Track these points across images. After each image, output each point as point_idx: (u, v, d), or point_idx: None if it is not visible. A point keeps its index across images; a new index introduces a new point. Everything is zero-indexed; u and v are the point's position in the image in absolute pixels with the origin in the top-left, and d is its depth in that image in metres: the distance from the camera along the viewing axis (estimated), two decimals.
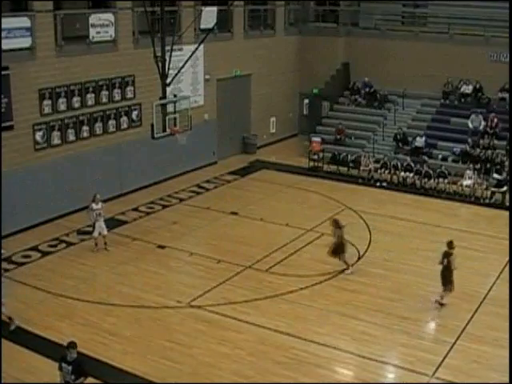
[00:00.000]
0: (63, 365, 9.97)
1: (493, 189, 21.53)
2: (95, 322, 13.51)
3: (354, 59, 28.45)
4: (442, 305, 14.29)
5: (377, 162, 23.83)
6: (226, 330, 13.26)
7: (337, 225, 15.95)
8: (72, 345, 9.95)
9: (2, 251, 16.08)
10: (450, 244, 14.34)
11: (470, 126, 24.44)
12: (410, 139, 24.85)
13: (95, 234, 16.98)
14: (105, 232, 17.02)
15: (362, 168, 23.73)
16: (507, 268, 16.09)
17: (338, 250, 15.82)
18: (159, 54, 17.63)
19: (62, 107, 18.75)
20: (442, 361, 12.24)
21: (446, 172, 22.33)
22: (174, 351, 12.48)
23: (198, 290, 14.95)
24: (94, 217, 16.88)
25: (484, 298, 14.74)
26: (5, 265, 15.86)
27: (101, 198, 17.13)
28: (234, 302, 14.39)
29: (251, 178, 23.90)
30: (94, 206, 16.85)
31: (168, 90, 18.26)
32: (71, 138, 19.12)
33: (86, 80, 19.30)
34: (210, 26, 21.05)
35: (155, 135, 17.63)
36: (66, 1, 19.84)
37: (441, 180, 22.18)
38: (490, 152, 23.23)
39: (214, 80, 24.52)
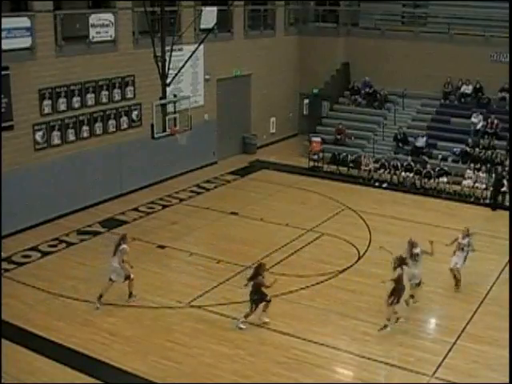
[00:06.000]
0: None
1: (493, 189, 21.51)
2: (95, 322, 13.49)
3: (353, 59, 28.44)
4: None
5: (376, 162, 23.83)
6: (225, 330, 13.24)
7: (401, 260, 13.34)
8: None
9: (2, 253, 16.14)
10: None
11: (474, 122, 24.41)
12: (410, 139, 24.84)
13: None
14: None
15: (362, 168, 23.73)
16: (507, 268, 16.09)
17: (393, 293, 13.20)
18: (159, 53, 17.64)
19: (62, 107, 18.72)
20: (442, 361, 12.23)
21: (447, 168, 22.34)
22: (174, 351, 12.48)
23: (198, 290, 14.94)
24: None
25: (484, 298, 14.73)
26: (5, 265, 15.87)
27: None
28: (234, 301, 14.37)
29: (251, 178, 23.89)
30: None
31: (168, 90, 18.26)
32: (71, 138, 19.10)
33: (86, 80, 19.27)
34: (210, 26, 21.04)
35: (155, 135, 17.63)
36: (66, 1, 19.86)
37: (441, 179, 22.18)
38: (489, 152, 23.24)
39: (213, 80, 24.50)
